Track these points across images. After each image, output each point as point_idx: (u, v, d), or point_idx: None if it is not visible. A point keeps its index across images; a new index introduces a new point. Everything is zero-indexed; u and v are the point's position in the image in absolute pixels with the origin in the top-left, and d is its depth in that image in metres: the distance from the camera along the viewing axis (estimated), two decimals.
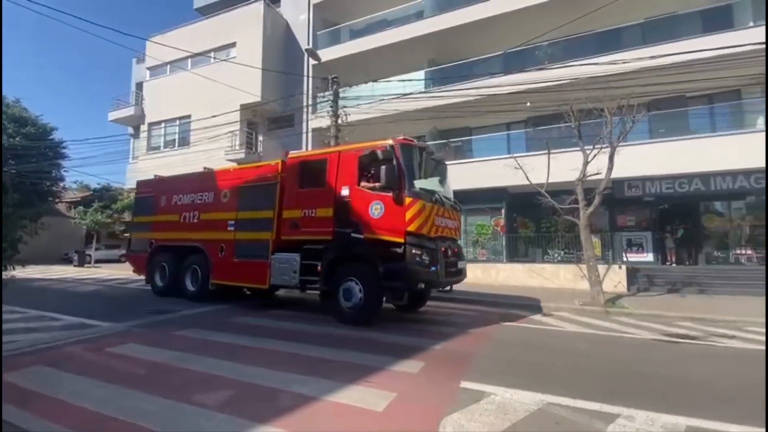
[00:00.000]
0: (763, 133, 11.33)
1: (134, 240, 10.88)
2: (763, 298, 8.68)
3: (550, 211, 12.16)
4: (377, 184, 6.48)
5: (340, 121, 13.03)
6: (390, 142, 6.58)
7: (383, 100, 13.98)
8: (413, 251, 6.13)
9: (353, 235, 6.61)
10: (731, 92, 13.08)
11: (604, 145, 9.78)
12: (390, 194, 6.31)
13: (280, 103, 17.69)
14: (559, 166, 11.27)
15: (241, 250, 8.13)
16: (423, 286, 6.61)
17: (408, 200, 6.23)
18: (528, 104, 12.85)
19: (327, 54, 16.62)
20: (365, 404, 3.43)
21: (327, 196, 7.03)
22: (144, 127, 21.03)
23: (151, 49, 18.83)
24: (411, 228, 6.18)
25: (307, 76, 17.49)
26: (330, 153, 7.50)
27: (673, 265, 13.46)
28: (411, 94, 13.39)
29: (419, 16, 16.66)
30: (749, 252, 12.82)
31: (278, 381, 3.91)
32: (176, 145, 19.64)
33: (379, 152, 6.53)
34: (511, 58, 14.38)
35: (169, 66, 20.23)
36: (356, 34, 18.12)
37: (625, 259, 13.56)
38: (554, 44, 13.79)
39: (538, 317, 8.16)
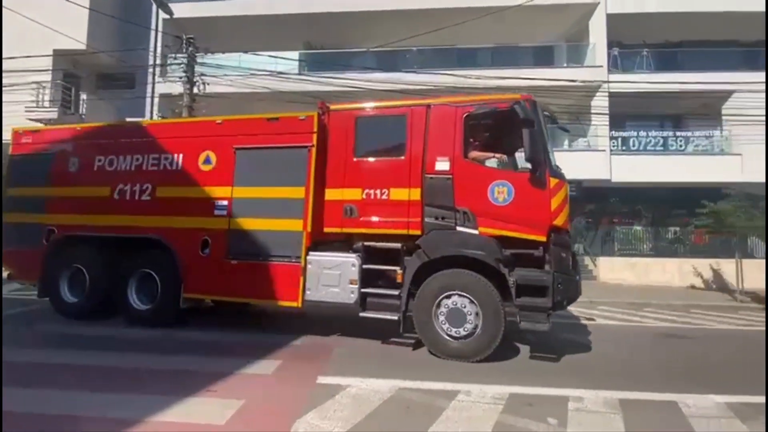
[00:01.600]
0: (563, 153, 14.57)
1: (9, 227, 6.40)
2: None
3: None
4: (499, 156, 5.00)
5: (196, 90, 11.33)
6: (518, 97, 4.65)
7: (254, 74, 12.75)
8: (562, 254, 4.48)
9: (460, 228, 4.68)
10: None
11: None
12: (524, 173, 4.64)
13: (115, 57, 14.42)
14: None
15: (241, 245, 5.35)
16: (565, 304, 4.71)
17: (553, 182, 4.53)
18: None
19: (183, 9, 14.21)
20: (204, 418, 2.93)
21: (409, 170, 4.88)
22: None
23: None
24: (558, 222, 4.52)
25: (156, 31, 14.68)
26: (411, 106, 5.21)
27: None
28: (286, 73, 12.57)
29: None
30: None
31: (92, 406, 3.05)
32: None
33: (499, 110, 4.59)
34: (385, 57, 14.90)
35: None
36: None
37: None
38: (423, 52, 14.84)
39: None
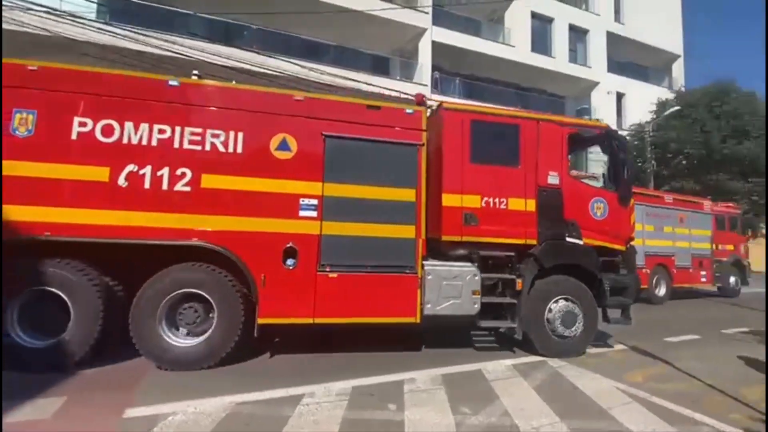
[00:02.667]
0: None
1: None
2: None
3: None
4: (592, 175, 6.04)
5: None
6: (605, 125, 5.66)
7: (30, 8, 9.24)
8: (634, 261, 5.78)
9: (569, 239, 4.99)
10: None
11: None
12: (614, 192, 5.40)
13: None
14: None
15: (339, 255, 4.40)
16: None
17: (632, 201, 5.54)
18: (233, 82, 12.22)
19: None
20: None
21: (524, 180, 4.97)
22: None
23: None
24: (633, 234, 5.59)
25: None
26: (522, 118, 5.27)
27: None
28: (77, 15, 9.59)
29: None
30: None
31: None
32: None
33: (597, 135, 5.54)
34: (219, 28, 13.25)
35: None
36: None
37: None
38: (266, 33, 13.87)
39: None
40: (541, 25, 19.71)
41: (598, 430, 3.04)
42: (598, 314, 5.17)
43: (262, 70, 11.97)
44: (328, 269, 4.34)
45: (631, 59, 23.40)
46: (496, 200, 4.93)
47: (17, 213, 3.77)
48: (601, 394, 3.73)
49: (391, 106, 4.93)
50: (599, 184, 6.14)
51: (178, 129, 4.15)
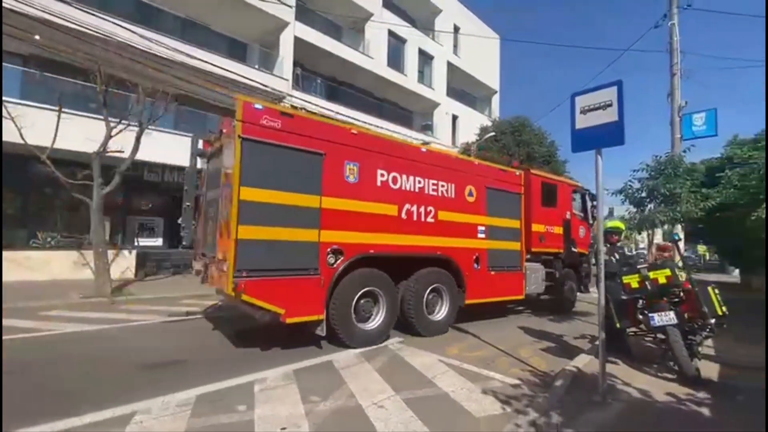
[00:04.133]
0: None
1: (250, 244, 4.34)
2: None
3: (49, 184, 9.65)
4: (579, 213, 9.47)
5: None
6: (582, 185, 9.75)
7: None
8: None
9: (573, 249, 8.43)
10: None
11: (132, 123, 9.15)
12: (585, 222, 9.53)
13: None
14: (71, 131, 9.26)
15: (494, 260, 7.16)
16: None
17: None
18: (37, 37, 9.58)
19: None
20: None
21: (559, 216, 8.63)
22: None
23: None
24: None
25: None
26: (557, 181, 9.24)
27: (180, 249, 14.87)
28: None
29: None
30: None
31: None
32: None
33: (581, 192, 9.61)
34: None
35: None
36: None
37: (136, 244, 13.28)
38: None
39: (25, 323, 6.08)
40: (397, 44, 21.68)
41: (423, 395, 3.68)
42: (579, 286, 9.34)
43: (76, 27, 9.73)
44: (491, 269, 7.08)
45: (465, 88, 27.97)
46: (550, 228, 8.42)
47: (354, 237, 5.22)
48: (427, 367, 4.49)
49: (510, 170, 7.89)
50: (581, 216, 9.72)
51: (426, 180, 6.15)
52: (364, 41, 19.79)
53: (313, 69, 18.58)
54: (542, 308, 8.89)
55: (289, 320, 4.55)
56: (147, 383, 3.77)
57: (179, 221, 6.06)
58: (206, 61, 12.86)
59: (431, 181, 6.16)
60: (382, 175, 5.56)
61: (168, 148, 12.57)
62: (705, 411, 3.42)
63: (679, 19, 9.63)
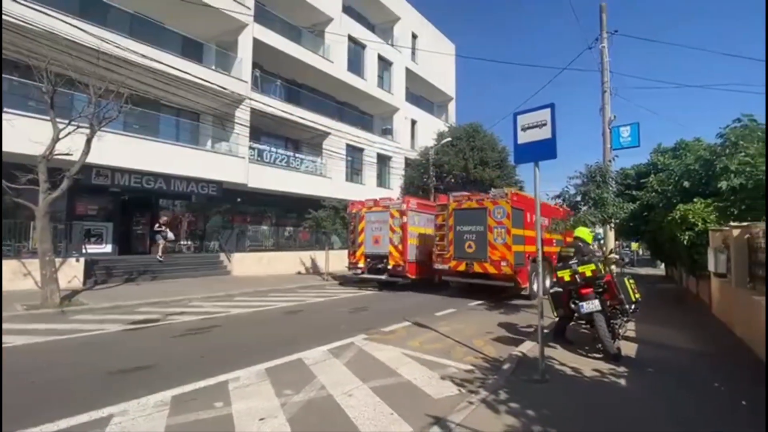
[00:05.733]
0: (208, 153, 15.03)
1: (516, 253, 10.17)
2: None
3: None
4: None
5: None
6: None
7: None
8: None
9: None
10: (193, 114, 16.13)
11: (82, 125, 8.75)
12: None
13: None
14: (14, 133, 8.70)
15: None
16: None
17: None
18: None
19: None
20: None
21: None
22: None
23: None
24: None
25: None
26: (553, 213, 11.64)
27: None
28: None
29: None
30: (189, 242, 16.21)
31: None
32: None
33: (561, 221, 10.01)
34: None
35: None
36: None
37: (84, 251, 12.54)
38: None
39: None
40: (356, 49, 22.02)
41: (388, 384, 4.06)
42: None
43: (21, 23, 9.16)
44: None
45: (423, 94, 28.88)
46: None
47: (532, 249, 9.83)
48: (391, 359, 4.89)
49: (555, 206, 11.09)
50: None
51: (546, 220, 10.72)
52: (324, 45, 19.94)
53: (272, 71, 18.46)
54: (496, 303, 9.63)
55: (522, 286, 10.06)
56: (119, 388, 3.83)
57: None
58: (160, 61, 12.48)
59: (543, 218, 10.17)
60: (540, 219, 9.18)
61: (117, 150, 12.05)
62: (622, 381, 4.10)
63: (608, 43, 10.82)
